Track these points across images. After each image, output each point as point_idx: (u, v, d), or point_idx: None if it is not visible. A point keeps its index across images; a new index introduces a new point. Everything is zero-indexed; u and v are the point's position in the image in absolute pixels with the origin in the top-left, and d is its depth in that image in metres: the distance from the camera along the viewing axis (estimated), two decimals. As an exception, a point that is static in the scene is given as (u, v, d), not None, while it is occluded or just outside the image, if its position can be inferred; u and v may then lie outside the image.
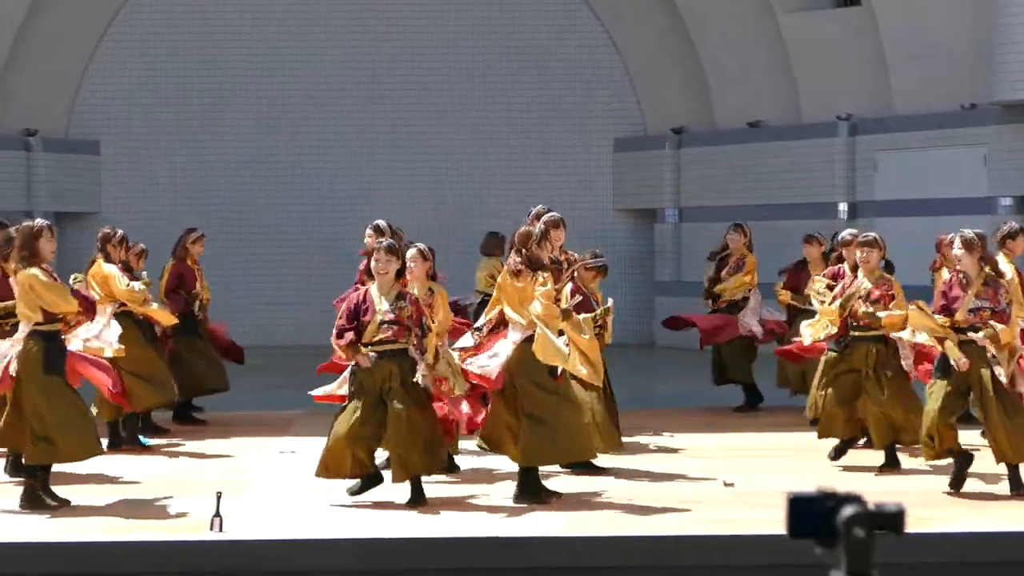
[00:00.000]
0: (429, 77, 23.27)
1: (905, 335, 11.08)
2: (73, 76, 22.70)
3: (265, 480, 10.99)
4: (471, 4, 23.20)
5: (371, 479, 9.65)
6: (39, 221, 10.41)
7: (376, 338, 9.55)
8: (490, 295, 12.38)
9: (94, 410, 11.29)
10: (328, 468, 9.75)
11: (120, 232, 12.75)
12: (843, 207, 20.13)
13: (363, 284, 10.72)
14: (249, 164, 23.20)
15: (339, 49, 23.53)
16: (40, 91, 22.25)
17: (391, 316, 9.59)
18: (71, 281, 11.08)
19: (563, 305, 10.42)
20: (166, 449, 12.60)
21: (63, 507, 9.62)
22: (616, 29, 23.12)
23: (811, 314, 12.63)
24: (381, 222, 12.43)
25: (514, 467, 10.33)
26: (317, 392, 10.66)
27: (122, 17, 23.00)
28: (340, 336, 9.75)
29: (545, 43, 23.05)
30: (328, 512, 9.79)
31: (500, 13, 23.21)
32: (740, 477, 10.85)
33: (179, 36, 23.17)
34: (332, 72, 23.52)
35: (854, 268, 12.02)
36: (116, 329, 11.63)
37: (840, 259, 13.23)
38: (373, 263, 9.70)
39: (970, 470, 10.57)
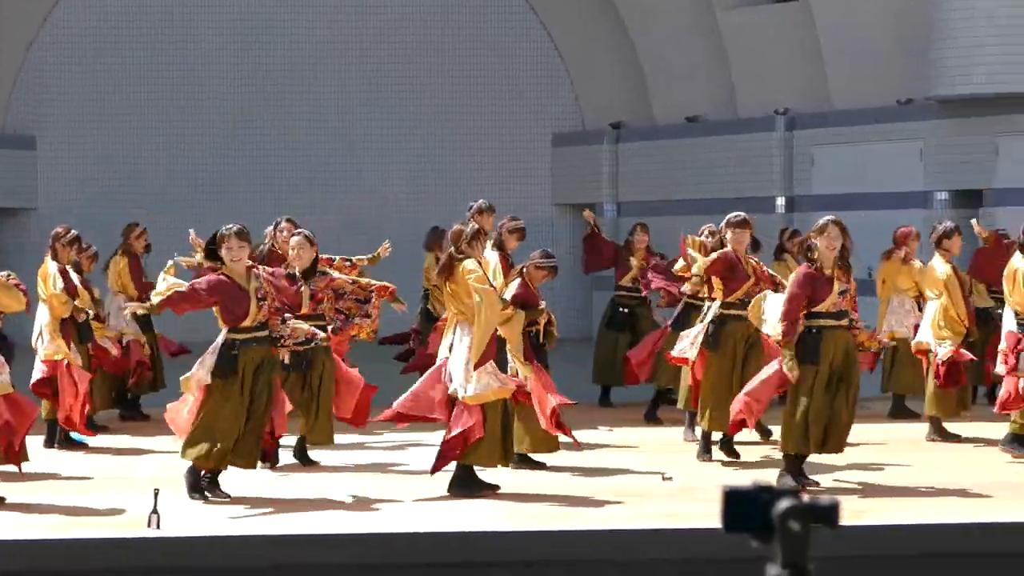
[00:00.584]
0: (364, 68, 23.08)
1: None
2: (8, 70, 22.52)
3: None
4: (413, 3, 22.85)
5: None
6: None
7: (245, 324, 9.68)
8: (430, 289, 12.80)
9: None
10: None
11: (73, 232, 12.61)
12: (780, 201, 20.22)
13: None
14: (187, 156, 22.91)
15: (281, 55, 23.00)
16: None
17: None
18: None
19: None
20: (106, 445, 12.43)
21: None
22: (553, 23, 23.20)
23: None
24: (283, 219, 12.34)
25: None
26: None
27: (58, 11, 22.76)
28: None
29: (481, 36, 23.21)
30: (265, 507, 9.64)
31: (439, 9, 23.08)
32: (678, 471, 10.78)
33: (115, 29, 22.93)
34: (264, 75, 23.05)
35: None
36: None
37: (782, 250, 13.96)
38: (226, 251, 9.66)
39: (898, 463, 10.87)
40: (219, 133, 23.44)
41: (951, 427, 12.94)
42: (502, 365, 10.29)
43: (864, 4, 19.61)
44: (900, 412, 13.99)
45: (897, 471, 11.03)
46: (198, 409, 9.73)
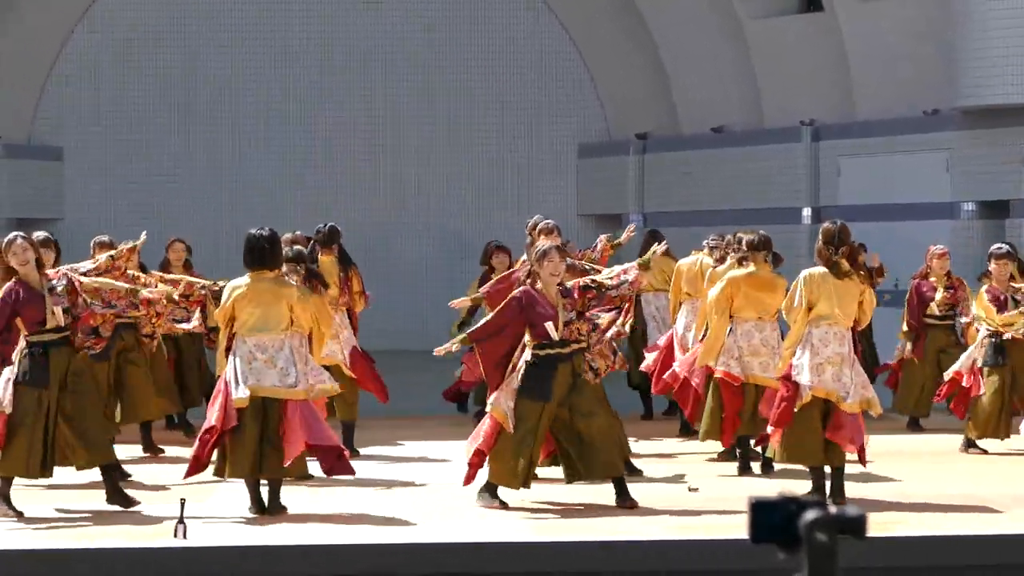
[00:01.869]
0: (395, 84, 22.93)
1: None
2: (36, 79, 22.57)
3: (230, 487, 10.67)
4: (439, 12, 22.81)
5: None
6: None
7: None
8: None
9: None
10: None
11: (108, 239, 12.68)
12: (807, 212, 19.95)
13: None
14: (212, 171, 22.79)
15: (300, 67, 22.94)
16: (3, 97, 22.00)
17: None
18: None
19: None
20: (133, 456, 12.35)
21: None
22: (579, 35, 23.03)
23: None
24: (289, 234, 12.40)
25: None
26: None
27: (85, 21, 22.76)
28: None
29: (508, 49, 22.99)
30: (292, 518, 9.58)
31: (465, 19, 22.95)
32: (704, 483, 10.70)
33: (143, 43, 22.83)
34: (297, 92, 22.97)
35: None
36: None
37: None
38: (12, 257, 9.58)
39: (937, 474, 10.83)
40: (244, 144, 23.12)
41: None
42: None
43: (890, 14, 19.40)
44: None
45: (923, 483, 10.79)
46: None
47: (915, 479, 11.16)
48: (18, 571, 8.78)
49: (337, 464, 10.03)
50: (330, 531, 9.32)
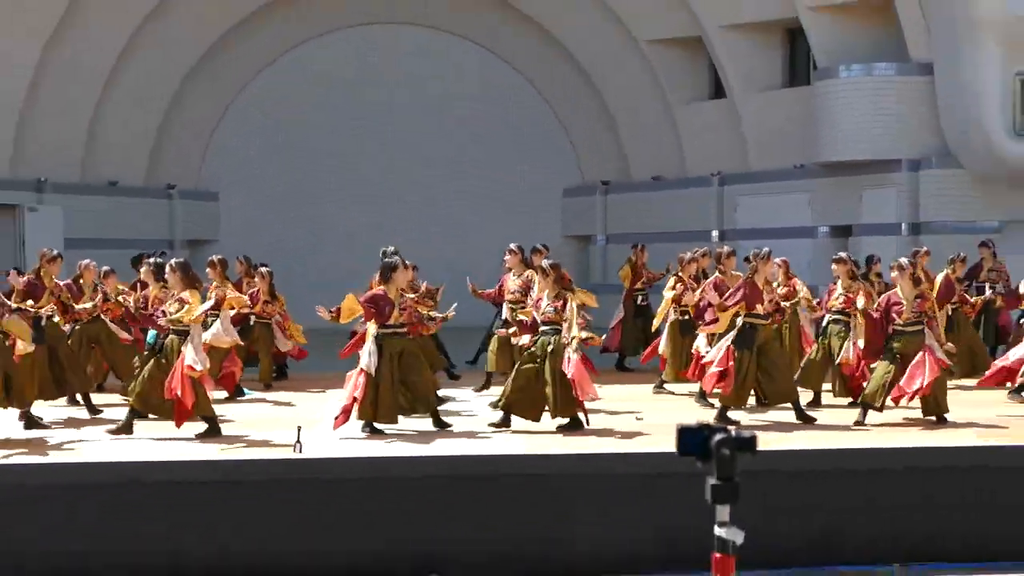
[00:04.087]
0: (427, 148, 23.62)
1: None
2: (202, 142, 23.58)
3: (328, 422, 10.49)
4: (459, 99, 23.68)
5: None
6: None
7: None
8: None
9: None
10: None
11: (218, 258, 13.14)
12: (715, 234, 21.10)
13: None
14: (323, 213, 23.25)
15: (383, 145, 23.59)
16: (179, 154, 23.11)
17: None
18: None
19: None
20: (251, 400, 12.63)
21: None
22: (563, 113, 24.06)
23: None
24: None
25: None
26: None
27: (236, 106, 23.57)
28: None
29: (515, 125, 23.92)
30: (373, 439, 10.08)
31: (485, 105, 23.81)
32: (647, 414, 11.16)
33: (287, 122, 23.33)
34: (367, 152, 23.48)
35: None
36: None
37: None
38: None
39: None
40: (348, 202, 23.49)
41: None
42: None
43: (771, 99, 20.64)
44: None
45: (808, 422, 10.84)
46: None
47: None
48: (199, 477, 8.91)
49: None
50: (407, 447, 9.63)
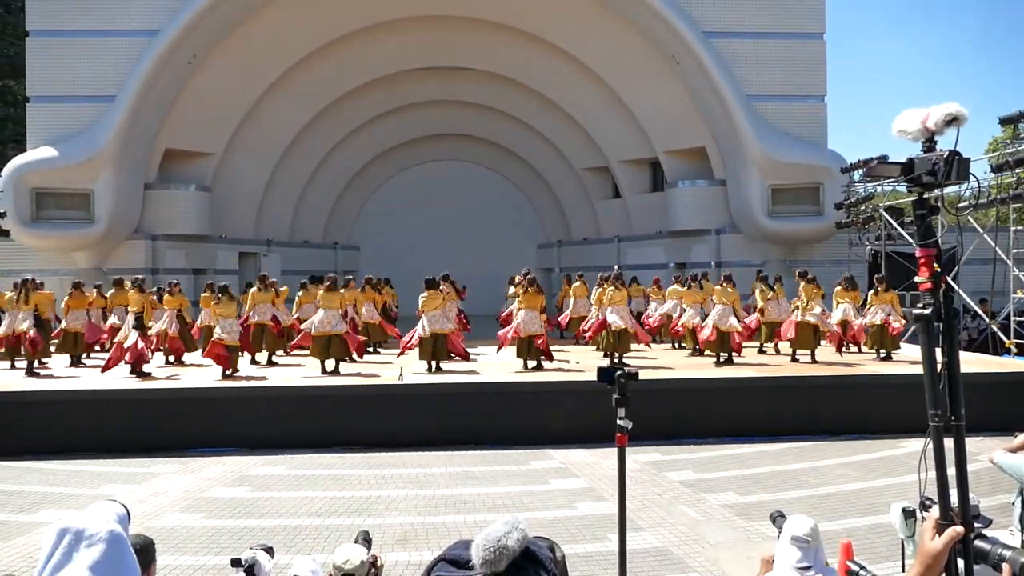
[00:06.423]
0: (462, 224, 29.19)
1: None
2: (354, 209, 28.72)
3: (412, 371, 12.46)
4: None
5: None
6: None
7: None
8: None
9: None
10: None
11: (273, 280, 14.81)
12: (616, 267, 20.53)
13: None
14: (417, 260, 27.43)
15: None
16: (340, 221, 28.39)
17: None
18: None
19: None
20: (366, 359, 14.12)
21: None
22: (537, 205, 30.12)
23: None
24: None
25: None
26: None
27: (376, 195, 29.01)
28: None
29: (509, 211, 30.34)
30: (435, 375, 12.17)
31: (493, 201, 29.25)
32: (587, 363, 13.25)
33: (406, 203, 28.51)
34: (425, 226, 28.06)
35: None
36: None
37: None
38: None
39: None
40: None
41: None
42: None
43: (647, 199, 25.84)
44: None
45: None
46: None
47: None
48: (345, 398, 10.56)
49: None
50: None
